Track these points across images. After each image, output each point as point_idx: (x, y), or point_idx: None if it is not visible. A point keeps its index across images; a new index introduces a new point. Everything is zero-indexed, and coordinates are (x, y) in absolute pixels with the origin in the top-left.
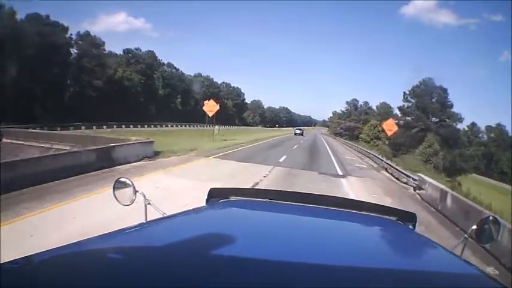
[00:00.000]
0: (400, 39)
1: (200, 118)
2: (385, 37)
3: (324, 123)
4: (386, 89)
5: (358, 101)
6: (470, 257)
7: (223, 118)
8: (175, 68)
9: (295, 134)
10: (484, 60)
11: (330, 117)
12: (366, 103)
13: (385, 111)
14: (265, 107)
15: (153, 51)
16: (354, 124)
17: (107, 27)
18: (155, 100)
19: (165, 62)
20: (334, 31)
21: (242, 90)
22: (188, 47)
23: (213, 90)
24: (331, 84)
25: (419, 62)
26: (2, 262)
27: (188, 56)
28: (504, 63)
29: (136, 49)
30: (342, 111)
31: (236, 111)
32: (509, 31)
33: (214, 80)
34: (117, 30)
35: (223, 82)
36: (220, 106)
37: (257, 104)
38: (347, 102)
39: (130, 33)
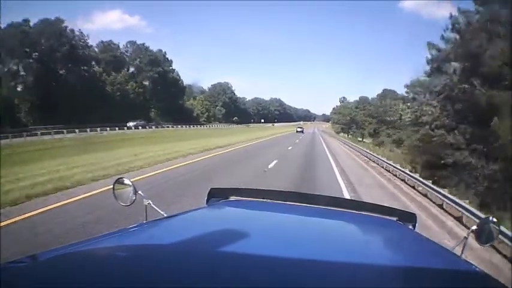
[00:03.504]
0: (400, 31)
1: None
2: (385, 29)
3: (324, 118)
4: (387, 82)
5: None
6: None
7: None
8: None
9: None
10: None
11: (337, 106)
12: None
13: None
14: (248, 97)
15: None
16: None
17: (102, 25)
18: None
19: None
20: (334, 22)
21: (168, 56)
22: (181, 43)
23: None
24: (330, 77)
25: (418, 53)
26: (7, 261)
27: (183, 53)
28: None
29: None
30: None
31: (161, 96)
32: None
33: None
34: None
35: (129, 41)
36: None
37: (221, 88)
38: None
39: (125, 30)
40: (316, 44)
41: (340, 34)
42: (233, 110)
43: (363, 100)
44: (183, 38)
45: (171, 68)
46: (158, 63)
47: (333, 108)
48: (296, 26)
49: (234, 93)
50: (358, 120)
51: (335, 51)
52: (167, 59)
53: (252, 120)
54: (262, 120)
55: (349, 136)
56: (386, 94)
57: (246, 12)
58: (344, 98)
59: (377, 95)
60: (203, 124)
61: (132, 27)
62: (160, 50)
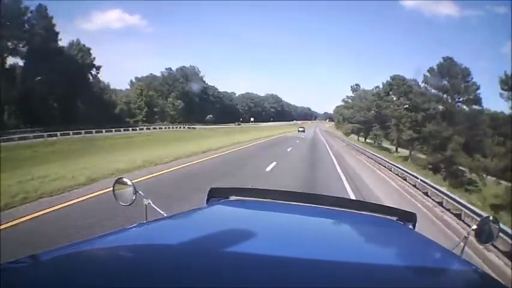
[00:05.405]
0: (401, 27)
1: None
2: (385, 26)
3: (325, 116)
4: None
5: None
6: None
7: None
8: None
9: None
10: (486, 52)
11: (347, 97)
12: None
13: None
14: (237, 92)
15: None
16: None
17: (101, 25)
18: None
19: None
20: (335, 16)
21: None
22: (181, 42)
23: None
24: (332, 74)
25: (420, 51)
26: (7, 261)
27: (183, 52)
28: (506, 55)
29: None
30: None
31: (29, 82)
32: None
33: None
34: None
35: None
36: None
37: (183, 74)
38: None
39: (124, 30)
40: (317, 40)
41: (341, 30)
42: (197, 104)
43: (398, 81)
44: (182, 37)
45: (52, 31)
46: (17, 19)
47: (343, 100)
48: (296, 21)
49: (204, 81)
50: (391, 117)
51: (337, 47)
52: (47, 15)
53: (241, 119)
54: (252, 119)
55: (367, 141)
56: (451, 67)
57: (247, 10)
58: (357, 85)
59: (429, 69)
60: (131, 127)
61: (132, 26)
62: (40, 5)
